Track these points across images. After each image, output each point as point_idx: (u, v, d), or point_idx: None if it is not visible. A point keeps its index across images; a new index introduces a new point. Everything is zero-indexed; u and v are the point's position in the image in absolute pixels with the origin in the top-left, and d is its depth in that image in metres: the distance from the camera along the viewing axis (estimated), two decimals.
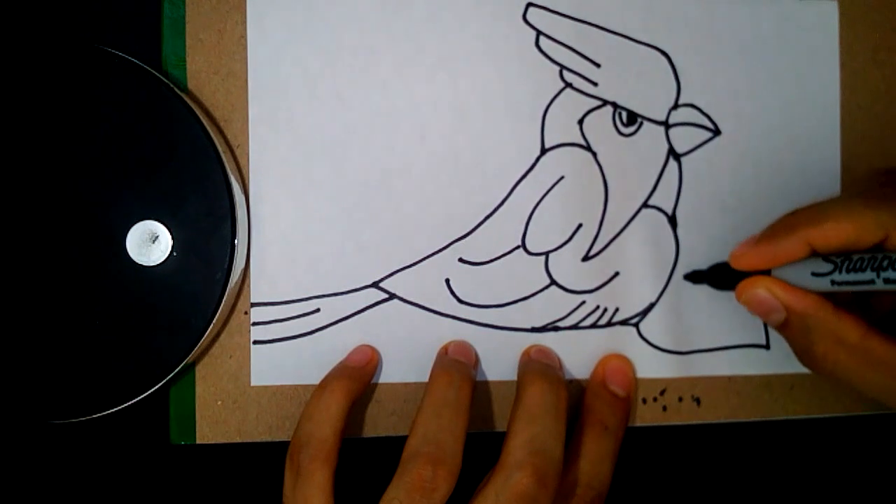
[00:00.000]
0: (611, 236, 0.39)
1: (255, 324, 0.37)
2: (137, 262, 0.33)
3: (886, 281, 0.32)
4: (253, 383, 0.37)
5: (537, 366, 0.37)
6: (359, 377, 0.36)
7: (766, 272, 0.35)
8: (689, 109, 0.39)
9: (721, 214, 0.40)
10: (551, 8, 0.38)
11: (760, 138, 0.40)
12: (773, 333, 0.40)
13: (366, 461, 0.37)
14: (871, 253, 0.32)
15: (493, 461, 0.34)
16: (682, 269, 0.40)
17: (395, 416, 0.38)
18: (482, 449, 0.35)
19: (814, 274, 0.33)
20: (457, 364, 0.36)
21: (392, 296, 0.38)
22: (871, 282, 0.32)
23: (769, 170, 0.40)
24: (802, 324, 0.34)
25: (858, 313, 0.34)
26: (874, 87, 0.41)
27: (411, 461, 0.32)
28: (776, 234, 0.34)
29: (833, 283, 0.33)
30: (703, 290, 0.40)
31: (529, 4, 0.38)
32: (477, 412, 0.38)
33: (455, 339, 0.38)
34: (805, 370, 0.36)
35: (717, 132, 0.40)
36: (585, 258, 0.39)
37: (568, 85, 0.38)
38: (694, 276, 0.39)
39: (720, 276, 0.38)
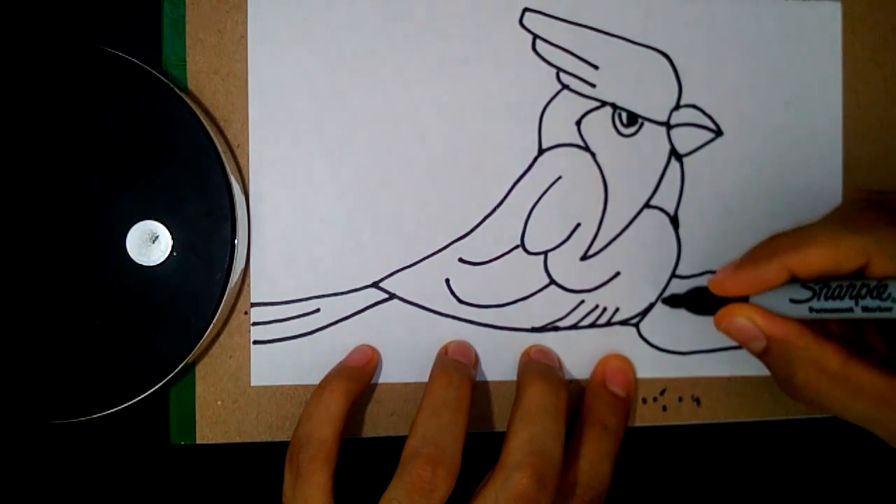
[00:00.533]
0: (611, 236, 0.39)
1: (255, 324, 0.37)
2: (137, 262, 0.33)
3: (865, 309, 0.31)
4: (253, 383, 0.37)
5: (537, 366, 0.37)
6: (358, 377, 0.36)
7: (745, 298, 0.34)
8: (691, 110, 0.39)
9: (723, 214, 0.40)
10: (547, 12, 0.38)
11: (763, 139, 0.40)
12: None
13: (366, 461, 0.37)
14: (850, 279, 0.32)
15: (493, 461, 0.34)
16: (683, 270, 0.40)
17: (395, 416, 0.38)
18: (482, 449, 0.35)
19: (792, 301, 0.33)
20: (456, 364, 0.36)
21: (392, 296, 0.38)
22: (850, 310, 0.31)
23: (771, 170, 0.40)
24: (783, 351, 0.33)
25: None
26: (876, 88, 0.41)
27: (410, 462, 0.32)
28: (756, 260, 0.33)
29: (811, 310, 0.32)
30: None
31: (526, 9, 0.38)
32: (477, 412, 0.38)
33: (455, 339, 0.38)
34: None
35: (719, 133, 0.40)
36: (584, 257, 0.39)
37: (565, 87, 0.38)
38: (671, 301, 0.39)
39: (698, 301, 0.37)
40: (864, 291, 0.31)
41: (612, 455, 0.36)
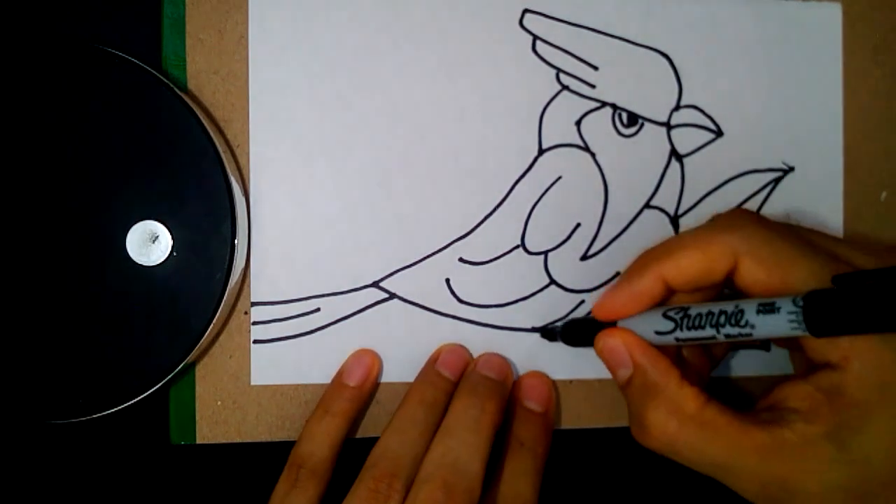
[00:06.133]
0: (611, 236, 0.39)
1: (255, 323, 0.37)
2: (137, 262, 0.33)
3: (727, 336, 0.31)
4: (253, 383, 0.37)
5: (468, 382, 0.36)
6: (359, 397, 0.36)
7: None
8: (691, 111, 0.39)
9: None
10: (548, 14, 0.38)
11: (763, 139, 0.40)
12: None
13: (364, 462, 0.37)
14: (707, 308, 0.31)
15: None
16: None
17: None
18: None
19: (657, 333, 0.33)
20: (436, 380, 0.36)
21: (392, 295, 0.38)
22: (713, 337, 0.31)
23: (772, 171, 0.40)
24: (644, 383, 0.33)
25: (705, 360, 0.35)
26: (876, 88, 0.41)
27: (368, 472, 0.33)
28: (631, 275, 0.34)
29: (677, 340, 0.32)
30: None
31: (526, 10, 0.38)
32: None
33: (453, 340, 0.38)
34: None
35: (719, 133, 0.40)
36: (584, 257, 0.39)
37: (565, 87, 0.38)
38: (548, 334, 0.38)
39: (575, 333, 0.37)
40: (722, 319, 0.31)
41: (532, 472, 0.36)
